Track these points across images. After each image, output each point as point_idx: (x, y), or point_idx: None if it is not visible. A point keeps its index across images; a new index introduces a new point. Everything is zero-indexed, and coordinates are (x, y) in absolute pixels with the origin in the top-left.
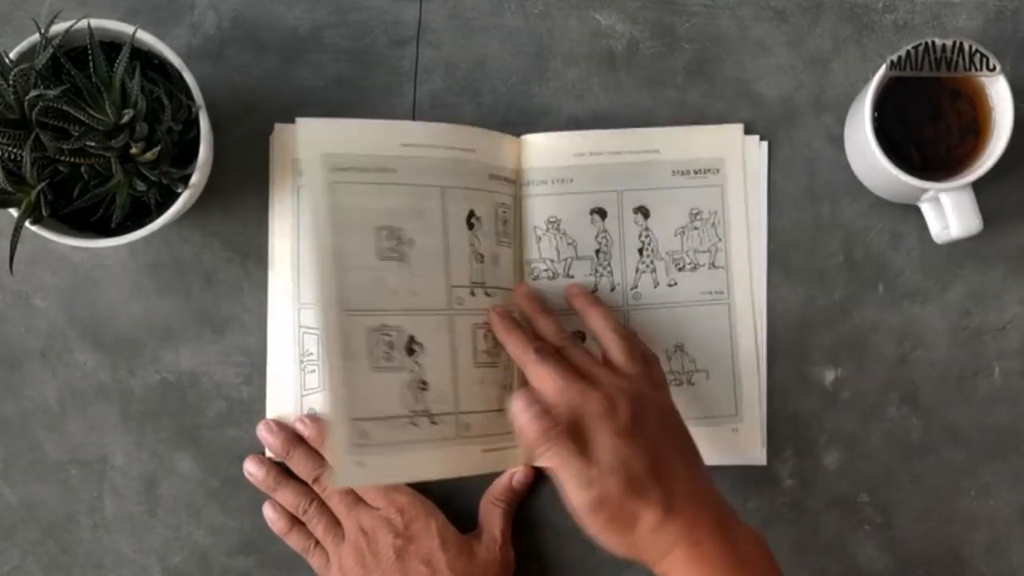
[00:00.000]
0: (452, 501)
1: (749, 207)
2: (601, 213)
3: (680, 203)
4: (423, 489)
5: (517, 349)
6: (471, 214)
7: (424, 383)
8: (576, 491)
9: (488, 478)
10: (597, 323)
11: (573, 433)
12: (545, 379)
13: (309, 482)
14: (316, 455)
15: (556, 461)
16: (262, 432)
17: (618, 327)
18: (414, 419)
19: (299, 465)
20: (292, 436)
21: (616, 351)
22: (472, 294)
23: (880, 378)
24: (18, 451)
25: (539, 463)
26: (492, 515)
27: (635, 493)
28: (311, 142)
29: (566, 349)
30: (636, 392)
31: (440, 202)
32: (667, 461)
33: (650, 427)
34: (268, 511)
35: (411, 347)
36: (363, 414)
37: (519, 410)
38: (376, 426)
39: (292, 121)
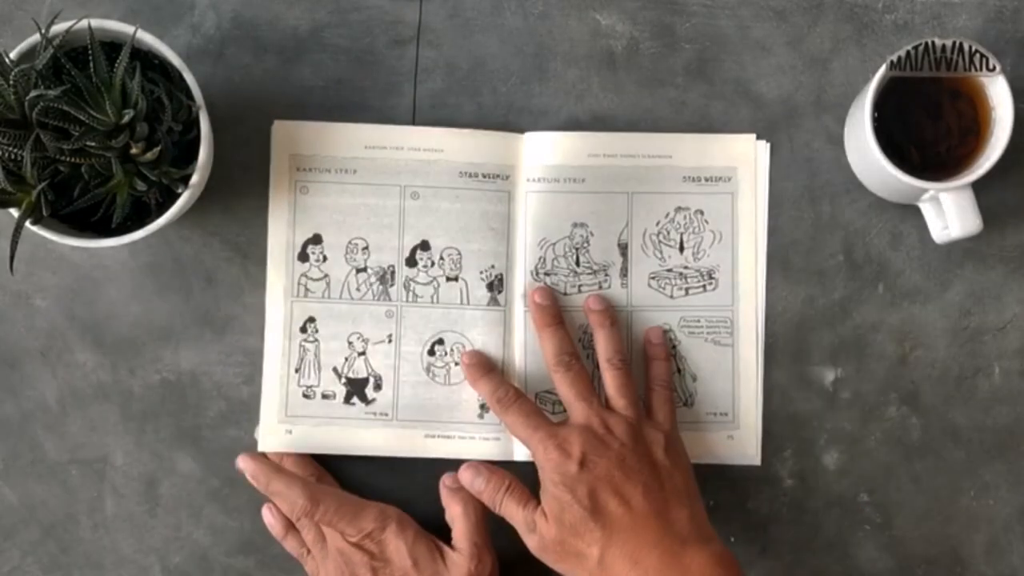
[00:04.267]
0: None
1: (758, 217)
2: (610, 214)
3: (690, 210)
4: (418, 482)
5: (485, 397)
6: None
7: (368, 366)
8: (524, 536)
9: None
10: (601, 348)
11: (521, 487)
12: (512, 426)
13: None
14: (295, 483)
15: (508, 514)
16: (240, 465)
17: (619, 359)
18: (350, 399)
19: (279, 496)
20: (270, 468)
21: (609, 385)
22: (428, 281)
23: (880, 378)
24: (18, 451)
25: (503, 513)
26: (457, 524)
27: (573, 534)
28: (282, 143)
29: (557, 374)
30: (603, 429)
31: (399, 200)
32: (620, 497)
33: (604, 466)
34: (267, 515)
35: (352, 335)
36: (301, 386)
37: (469, 480)
38: (310, 402)
39: (292, 119)
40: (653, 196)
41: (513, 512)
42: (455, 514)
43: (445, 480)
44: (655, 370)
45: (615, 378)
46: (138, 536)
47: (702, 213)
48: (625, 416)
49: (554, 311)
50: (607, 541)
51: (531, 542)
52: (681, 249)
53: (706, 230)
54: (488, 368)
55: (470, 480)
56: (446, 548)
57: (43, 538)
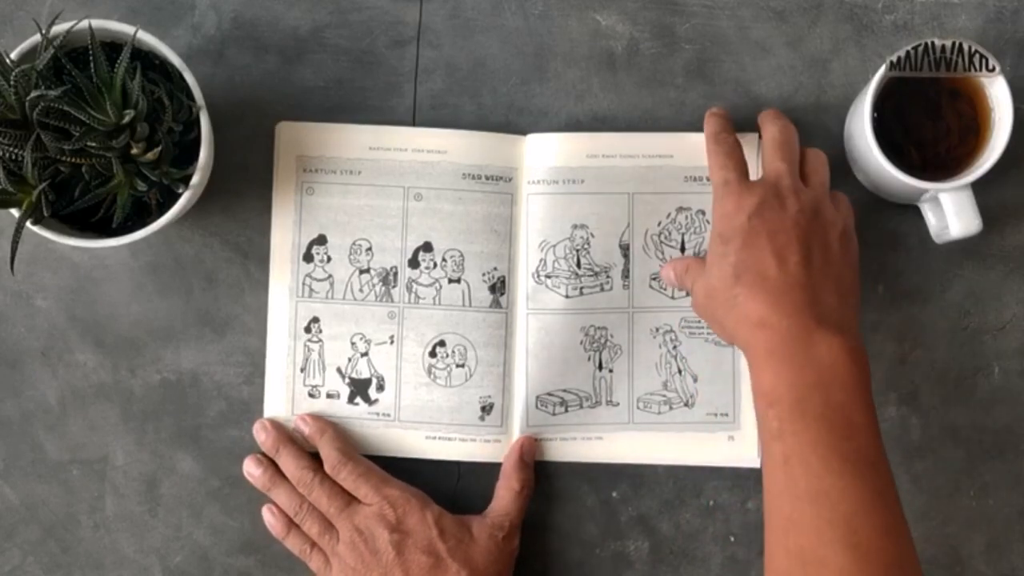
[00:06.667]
0: (457, 493)
1: None
2: (611, 215)
3: (692, 210)
4: (419, 483)
5: (709, 133)
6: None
7: (370, 367)
8: (723, 216)
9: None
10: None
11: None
12: (712, 157)
13: (294, 483)
14: (305, 455)
15: (720, 178)
16: (256, 429)
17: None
18: (353, 399)
19: (286, 464)
20: (284, 435)
21: (808, 166)
22: (430, 283)
23: (880, 378)
24: (19, 451)
25: (712, 173)
26: (506, 500)
27: (721, 283)
28: (288, 144)
29: (767, 123)
30: (789, 191)
31: (402, 202)
32: (776, 258)
33: (771, 223)
34: (267, 514)
35: (355, 336)
36: (306, 386)
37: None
38: (316, 401)
39: (292, 119)
40: (654, 196)
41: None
42: (509, 489)
43: (524, 446)
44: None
45: (815, 157)
46: (138, 536)
47: (703, 213)
48: (816, 192)
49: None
50: (747, 299)
51: (694, 299)
52: (682, 250)
53: (707, 230)
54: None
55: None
56: (474, 520)
57: (44, 538)
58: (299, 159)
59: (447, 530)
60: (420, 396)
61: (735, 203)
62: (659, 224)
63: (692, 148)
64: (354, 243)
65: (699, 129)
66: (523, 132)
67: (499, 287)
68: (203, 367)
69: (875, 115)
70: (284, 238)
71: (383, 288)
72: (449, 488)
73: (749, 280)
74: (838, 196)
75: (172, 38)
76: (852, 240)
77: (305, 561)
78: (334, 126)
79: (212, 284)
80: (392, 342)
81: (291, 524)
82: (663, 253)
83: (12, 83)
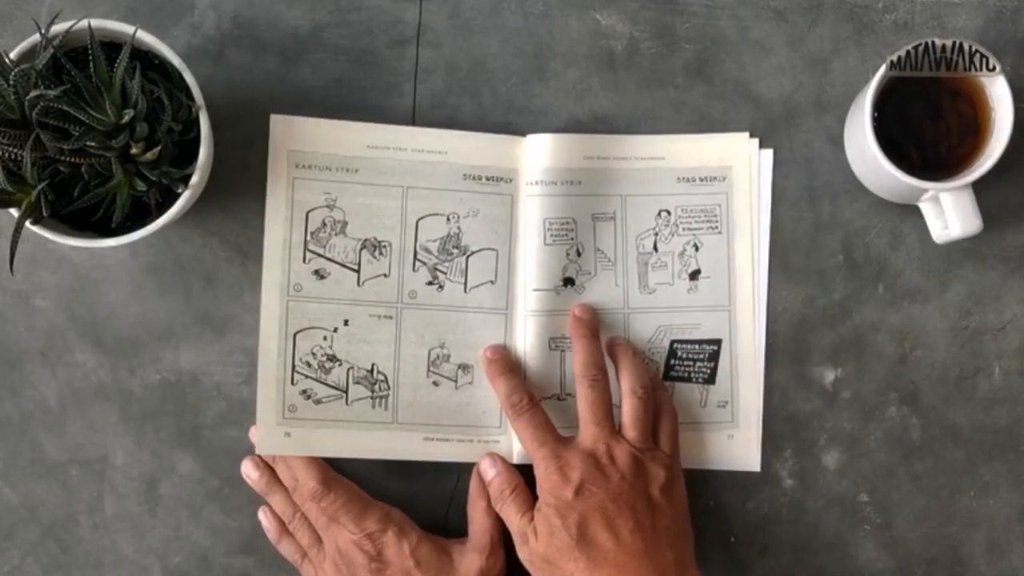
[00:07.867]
0: (448, 514)
1: (752, 215)
2: (606, 217)
3: (684, 210)
4: (418, 484)
5: (500, 398)
6: (434, 214)
7: (369, 368)
8: (516, 544)
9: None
10: (625, 377)
11: (526, 493)
12: (520, 433)
13: (289, 489)
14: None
15: (505, 517)
16: (251, 434)
17: (642, 390)
18: (351, 400)
19: (282, 470)
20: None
21: (626, 414)
22: (429, 284)
23: (880, 378)
24: (18, 451)
25: (500, 513)
26: (477, 518)
27: (559, 557)
28: (281, 138)
29: (581, 387)
30: (606, 458)
31: (401, 202)
32: (610, 530)
33: (599, 497)
34: (263, 517)
35: (353, 336)
36: (299, 388)
37: (484, 468)
38: (310, 404)
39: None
40: (647, 198)
41: (510, 517)
42: (478, 508)
43: (480, 467)
44: (658, 398)
45: (634, 408)
46: (138, 536)
47: (696, 213)
48: (632, 449)
49: (592, 324)
50: (590, 572)
51: (521, 552)
52: (675, 250)
53: (701, 230)
54: (508, 367)
55: (485, 468)
56: (455, 546)
57: (43, 538)
58: (291, 154)
59: (423, 561)
60: (419, 397)
61: (559, 476)
62: (652, 225)
63: (685, 149)
64: (353, 242)
65: (698, 129)
66: (523, 132)
67: (499, 288)
68: (202, 367)
69: (875, 115)
70: (276, 236)
71: (382, 288)
72: (448, 489)
73: (590, 555)
74: (655, 438)
75: (171, 38)
76: (676, 484)
77: (297, 568)
78: (330, 122)
79: (211, 284)
80: (390, 343)
81: (285, 530)
82: (657, 253)
83: (11, 83)
